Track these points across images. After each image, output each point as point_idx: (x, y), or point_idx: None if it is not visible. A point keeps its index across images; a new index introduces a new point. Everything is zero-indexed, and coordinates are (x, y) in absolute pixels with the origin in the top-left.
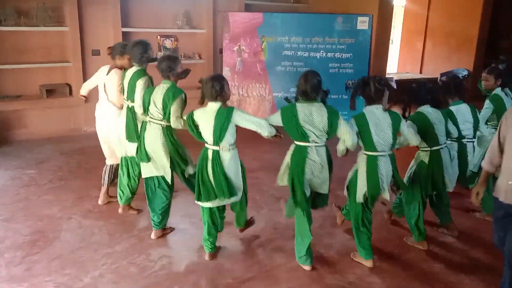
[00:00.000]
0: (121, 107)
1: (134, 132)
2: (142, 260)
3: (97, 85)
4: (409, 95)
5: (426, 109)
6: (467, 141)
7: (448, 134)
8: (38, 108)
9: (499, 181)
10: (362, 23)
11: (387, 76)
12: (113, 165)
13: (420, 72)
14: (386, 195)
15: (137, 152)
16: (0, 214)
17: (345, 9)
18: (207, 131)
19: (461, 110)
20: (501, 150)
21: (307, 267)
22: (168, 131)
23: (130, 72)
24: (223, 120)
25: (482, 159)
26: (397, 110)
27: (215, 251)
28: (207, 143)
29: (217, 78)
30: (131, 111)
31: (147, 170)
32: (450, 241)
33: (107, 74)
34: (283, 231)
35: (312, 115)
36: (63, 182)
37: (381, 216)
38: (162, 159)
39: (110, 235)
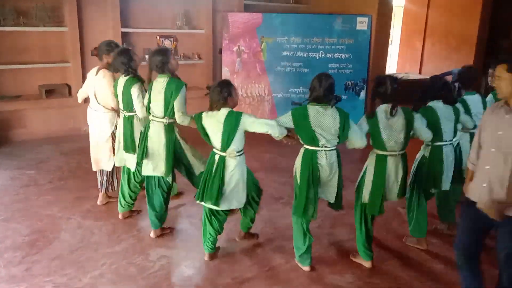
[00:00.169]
0: (115, 109)
1: (131, 143)
2: (141, 260)
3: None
4: (422, 90)
5: (437, 104)
6: None
7: (463, 124)
8: (37, 108)
9: (473, 182)
10: (362, 23)
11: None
12: (107, 171)
13: (420, 72)
14: (393, 196)
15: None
16: (0, 214)
17: (344, 9)
18: (215, 136)
19: (474, 101)
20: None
21: (306, 268)
22: (171, 129)
23: (121, 81)
24: (231, 126)
25: None
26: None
27: (215, 251)
28: (215, 148)
29: (224, 84)
30: (128, 121)
31: (146, 169)
32: (450, 241)
33: (96, 75)
34: (282, 231)
35: (324, 119)
36: (63, 182)
37: (380, 216)
38: (162, 158)
39: (110, 236)
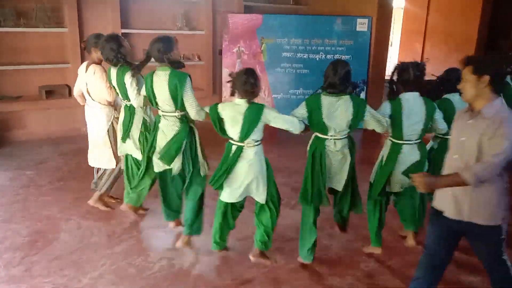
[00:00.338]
0: (111, 104)
1: (126, 131)
2: (141, 261)
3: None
4: (438, 83)
5: (454, 97)
6: None
7: None
8: (37, 109)
9: (439, 189)
10: (362, 24)
11: (386, 77)
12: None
13: None
14: (397, 186)
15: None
16: None
17: (344, 10)
18: (233, 127)
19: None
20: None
21: (307, 262)
22: (185, 120)
23: (113, 71)
24: (252, 118)
25: None
26: None
27: (223, 250)
28: (232, 139)
29: (250, 72)
30: (129, 110)
31: (156, 165)
32: None
33: (86, 72)
34: (282, 232)
35: (337, 110)
36: (62, 182)
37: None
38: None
39: (109, 236)
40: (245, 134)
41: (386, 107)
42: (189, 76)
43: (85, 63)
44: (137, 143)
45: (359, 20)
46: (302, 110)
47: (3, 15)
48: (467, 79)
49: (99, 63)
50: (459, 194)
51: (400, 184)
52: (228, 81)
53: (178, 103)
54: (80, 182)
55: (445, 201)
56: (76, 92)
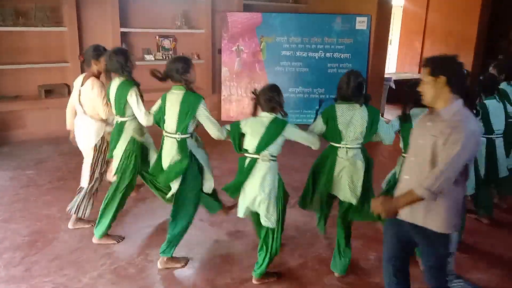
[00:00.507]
0: (104, 120)
1: (113, 149)
2: (140, 260)
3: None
4: (479, 88)
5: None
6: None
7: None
8: (36, 109)
9: (396, 193)
10: (361, 23)
11: (385, 76)
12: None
13: (419, 72)
14: None
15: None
16: None
17: (343, 9)
18: (253, 138)
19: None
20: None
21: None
22: (184, 145)
23: (114, 85)
24: (274, 131)
25: None
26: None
27: (262, 277)
28: (247, 151)
29: (275, 89)
30: (120, 125)
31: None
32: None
33: (82, 85)
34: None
35: (352, 118)
36: (62, 182)
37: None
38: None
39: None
40: (263, 145)
41: (396, 121)
42: (203, 98)
43: (81, 76)
44: (117, 161)
45: (358, 19)
46: (319, 124)
47: (3, 15)
48: (425, 80)
49: (97, 76)
50: None
51: None
52: (252, 99)
53: (183, 125)
54: (80, 182)
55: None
56: (69, 107)
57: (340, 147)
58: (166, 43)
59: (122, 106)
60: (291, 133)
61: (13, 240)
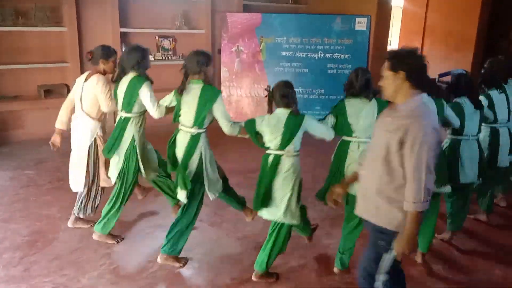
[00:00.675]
0: (99, 119)
1: (113, 145)
2: (140, 260)
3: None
4: (448, 87)
5: (463, 101)
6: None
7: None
8: (36, 109)
9: (357, 190)
10: (360, 23)
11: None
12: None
13: None
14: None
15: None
16: None
17: (343, 9)
18: (273, 136)
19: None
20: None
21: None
22: (197, 140)
23: (125, 79)
24: (293, 127)
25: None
26: None
27: (264, 272)
28: (269, 148)
29: (289, 85)
30: (123, 122)
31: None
32: (449, 242)
33: (85, 81)
34: None
35: (362, 111)
36: (62, 182)
37: None
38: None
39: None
40: (286, 141)
41: None
42: (221, 92)
43: (85, 73)
44: (115, 161)
45: (358, 19)
46: (330, 119)
47: (2, 15)
48: (385, 75)
49: (104, 74)
50: (370, 194)
51: None
52: (266, 96)
53: (200, 119)
54: (72, 187)
55: (359, 199)
56: (66, 103)
57: (351, 141)
58: (166, 43)
59: (132, 101)
60: (310, 124)
61: (13, 240)
